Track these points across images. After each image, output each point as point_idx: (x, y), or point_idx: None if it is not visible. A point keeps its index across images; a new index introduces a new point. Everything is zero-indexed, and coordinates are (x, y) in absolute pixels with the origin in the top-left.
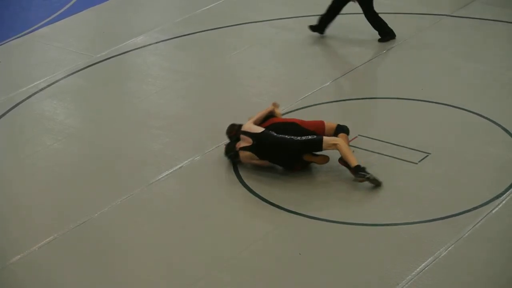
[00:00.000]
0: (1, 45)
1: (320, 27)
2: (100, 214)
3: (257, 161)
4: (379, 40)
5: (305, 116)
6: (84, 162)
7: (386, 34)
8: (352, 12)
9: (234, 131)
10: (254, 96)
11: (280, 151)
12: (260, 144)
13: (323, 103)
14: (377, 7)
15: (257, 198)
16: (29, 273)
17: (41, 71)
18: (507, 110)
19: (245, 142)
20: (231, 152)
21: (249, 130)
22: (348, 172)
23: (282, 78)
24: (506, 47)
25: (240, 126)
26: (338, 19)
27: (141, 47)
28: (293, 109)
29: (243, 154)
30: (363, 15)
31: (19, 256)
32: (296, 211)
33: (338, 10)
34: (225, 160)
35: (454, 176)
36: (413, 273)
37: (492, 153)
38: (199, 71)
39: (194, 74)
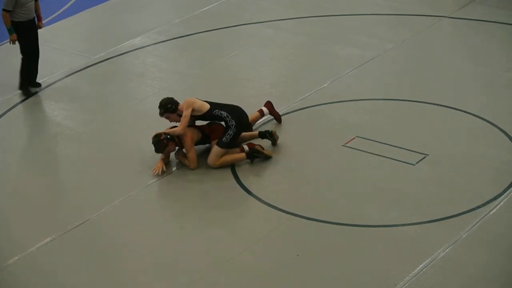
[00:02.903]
0: None
1: (26, 88)
2: (98, 215)
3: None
4: (19, 88)
5: (303, 117)
6: (82, 163)
7: (24, 86)
8: (352, 13)
9: (162, 134)
10: (253, 97)
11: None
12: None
13: (321, 104)
14: (377, 8)
15: (255, 199)
16: (28, 273)
17: (39, 73)
18: (506, 111)
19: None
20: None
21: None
22: (347, 174)
23: (281, 79)
24: (504, 49)
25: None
26: (339, 20)
27: (139, 48)
28: (292, 110)
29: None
30: (363, 17)
31: (17, 256)
32: (295, 212)
33: (35, 59)
34: None
35: (452, 178)
36: (411, 274)
37: (490, 155)
38: (197, 72)
39: (192, 75)
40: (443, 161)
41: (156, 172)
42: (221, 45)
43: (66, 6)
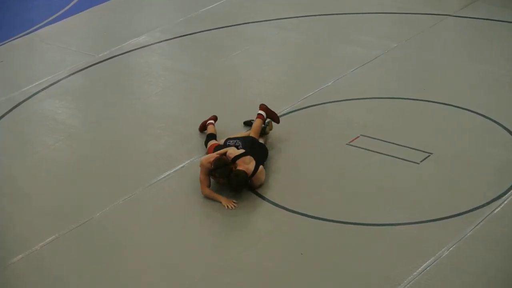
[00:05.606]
0: (2, 44)
1: None
2: (101, 214)
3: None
4: None
5: (307, 116)
6: (86, 162)
7: None
8: (355, 12)
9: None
10: (255, 96)
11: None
12: (259, 156)
13: (324, 103)
14: (381, 7)
15: (258, 198)
16: (32, 272)
17: (42, 71)
18: (510, 110)
19: (248, 161)
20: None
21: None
22: (351, 172)
23: (284, 78)
24: (508, 47)
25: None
26: (343, 18)
27: (143, 47)
28: (295, 109)
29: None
30: (366, 15)
31: (21, 255)
32: (298, 210)
33: None
34: None
35: (456, 176)
36: (415, 273)
37: (494, 154)
38: (200, 71)
39: (195, 74)
40: (447, 160)
41: (232, 206)
42: (223, 44)
43: (70, 5)
